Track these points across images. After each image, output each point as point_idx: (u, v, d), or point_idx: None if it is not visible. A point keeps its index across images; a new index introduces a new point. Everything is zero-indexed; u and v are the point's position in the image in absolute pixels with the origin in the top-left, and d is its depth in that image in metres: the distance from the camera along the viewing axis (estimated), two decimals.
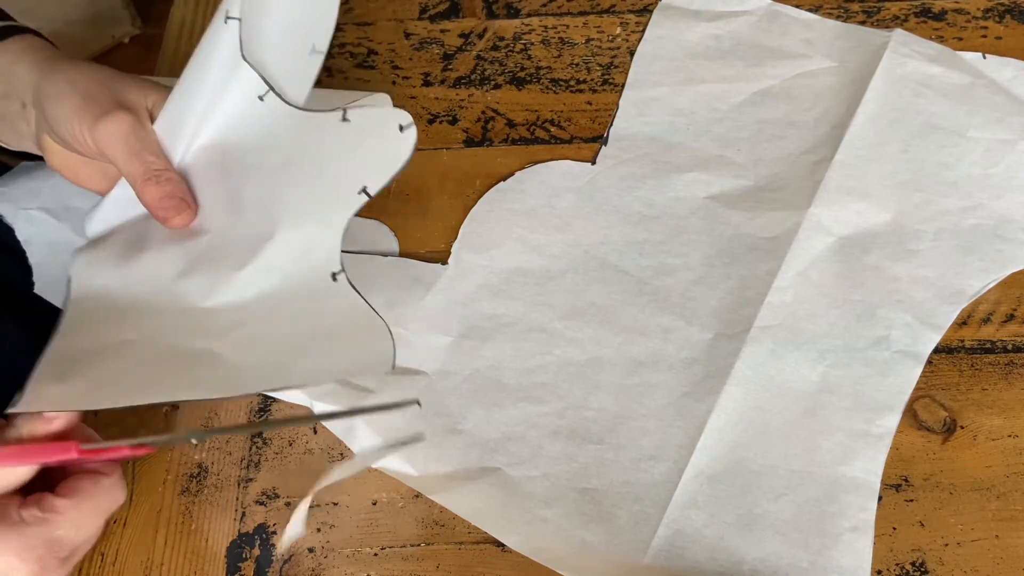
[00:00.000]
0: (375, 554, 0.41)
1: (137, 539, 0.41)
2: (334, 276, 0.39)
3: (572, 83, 0.57)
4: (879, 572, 0.40)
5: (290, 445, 0.44)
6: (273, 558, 0.41)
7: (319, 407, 0.43)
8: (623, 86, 0.55)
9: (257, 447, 0.44)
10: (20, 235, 0.51)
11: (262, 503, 0.42)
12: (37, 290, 0.50)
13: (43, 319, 0.52)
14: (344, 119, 0.41)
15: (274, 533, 0.42)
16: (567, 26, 0.59)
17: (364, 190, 0.39)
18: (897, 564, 0.40)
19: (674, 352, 0.45)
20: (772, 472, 0.41)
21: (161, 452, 0.43)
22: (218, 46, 0.41)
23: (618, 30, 0.59)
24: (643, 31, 0.57)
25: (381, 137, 0.40)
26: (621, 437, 0.43)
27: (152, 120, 0.43)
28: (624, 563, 0.40)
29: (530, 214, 0.50)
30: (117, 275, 0.43)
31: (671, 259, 0.47)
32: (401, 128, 0.40)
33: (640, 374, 0.44)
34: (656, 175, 0.50)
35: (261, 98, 0.42)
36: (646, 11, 0.58)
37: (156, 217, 0.42)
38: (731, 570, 0.39)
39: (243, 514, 0.42)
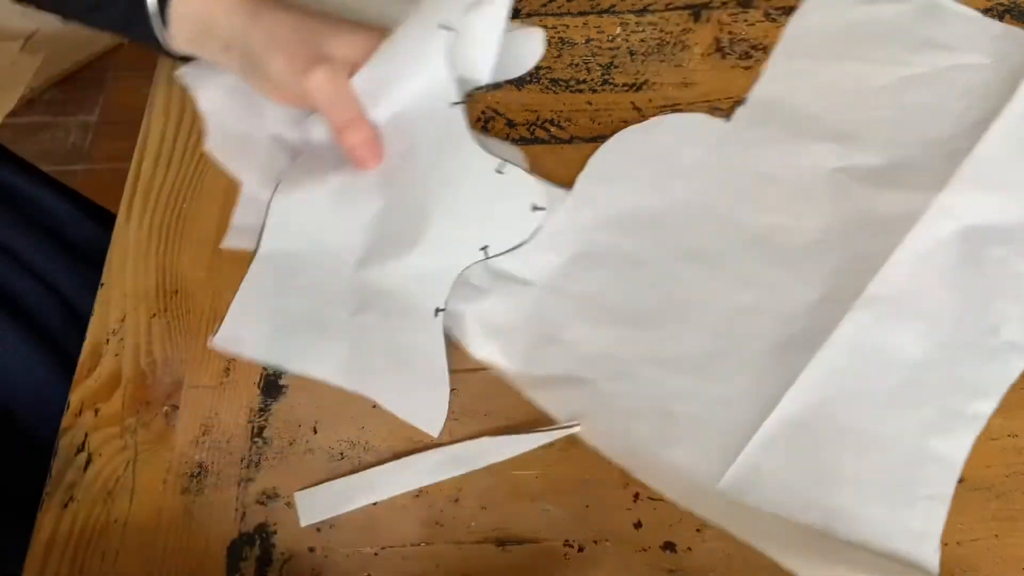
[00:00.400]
0: (375, 554, 0.41)
1: (137, 539, 0.41)
2: (436, 311, 0.44)
3: (572, 83, 0.57)
4: None
5: (290, 445, 0.44)
6: (271, 557, 0.41)
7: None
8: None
9: (257, 447, 0.44)
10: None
11: (262, 503, 0.42)
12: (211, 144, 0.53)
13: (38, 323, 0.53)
14: (498, 171, 0.46)
15: (275, 533, 0.42)
16: (567, 26, 0.59)
17: (484, 249, 0.44)
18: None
19: (778, 306, 0.45)
20: (859, 431, 0.42)
21: (161, 452, 0.44)
22: (424, 46, 0.47)
23: (618, 30, 0.59)
24: (644, 31, 0.57)
25: (515, 207, 0.45)
26: (713, 374, 0.44)
27: (353, 72, 0.48)
28: (697, 485, 0.42)
29: (658, 157, 0.51)
30: (308, 216, 0.49)
31: (789, 220, 0.48)
32: (534, 208, 0.44)
33: (741, 320, 0.45)
34: (788, 140, 0.51)
35: (452, 105, 0.48)
36: (646, 11, 0.58)
37: (351, 160, 0.48)
38: (800, 513, 0.40)
39: (243, 514, 0.42)
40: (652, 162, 0.51)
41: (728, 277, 0.47)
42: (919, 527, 0.40)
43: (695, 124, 0.53)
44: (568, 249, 0.48)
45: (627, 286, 0.47)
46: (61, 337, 0.55)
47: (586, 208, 0.50)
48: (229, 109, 0.53)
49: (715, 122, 0.53)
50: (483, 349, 0.46)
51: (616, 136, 0.52)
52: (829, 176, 0.49)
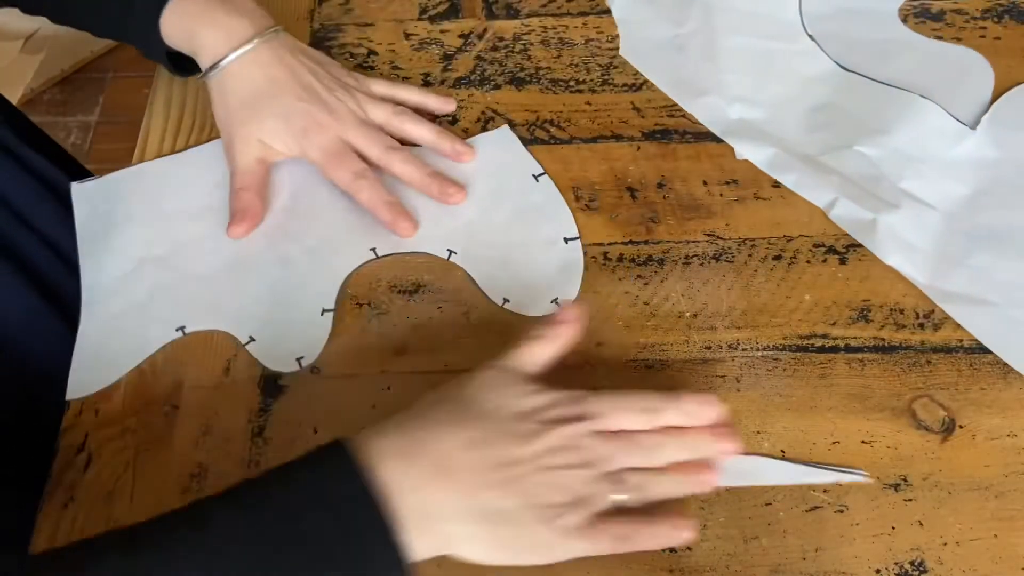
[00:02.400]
0: None
1: None
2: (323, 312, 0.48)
3: (572, 83, 0.57)
4: (878, 571, 0.40)
5: (290, 445, 0.44)
6: None
7: None
8: (623, 86, 0.56)
9: (257, 447, 0.44)
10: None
11: None
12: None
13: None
14: (565, 241, 0.49)
15: None
16: (567, 27, 0.59)
17: (555, 301, 0.47)
18: (896, 563, 0.40)
19: None
20: None
21: (161, 451, 0.44)
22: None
23: (617, 31, 0.59)
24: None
25: (572, 265, 0.49)
26: None
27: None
28: None
29: None
30: None
31: None
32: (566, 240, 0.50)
33: None
34: None
35: (536, 177, 0.52)
36: None
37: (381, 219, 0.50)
38: None
39: None
40: None
41: None
42: None
43: None
44: (971, 183, 0.51)
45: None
46: (51, 277, 0.55)
47: (991, 149, 0.53)
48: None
49: None
50: (891, 257, 0.49)
51: (1023, 86, 0.55)
52: None
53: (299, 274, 0.48)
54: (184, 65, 0.53)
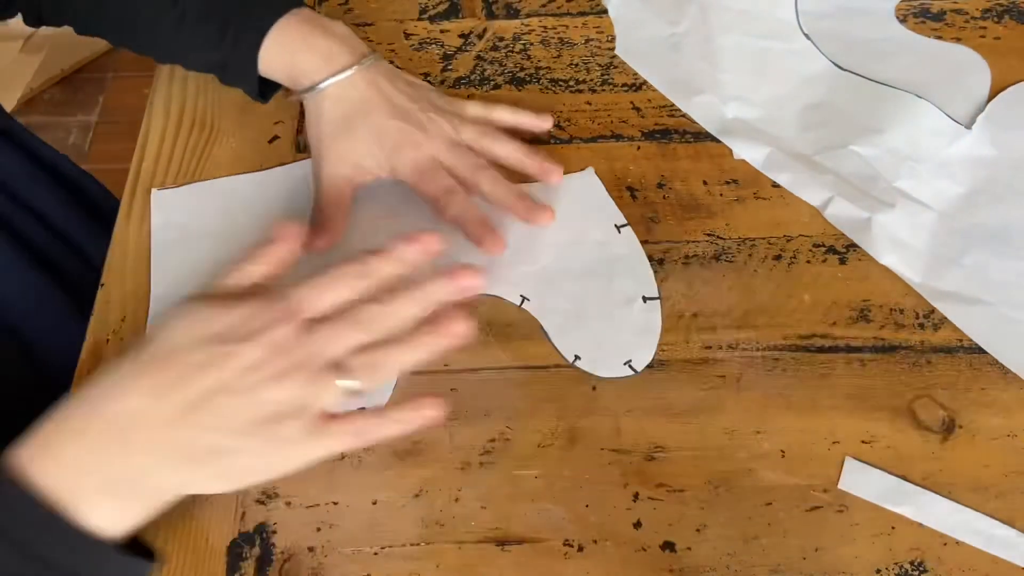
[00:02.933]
0: (375, 554, 0.41)
1: None
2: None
3: (571, 83, 0.57)
4: (878, 571, 0.40)
5: None
6: (271, 557, 0.41)
7: None
8: (622, 86, 0.56)
9: None
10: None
11: (262, 502, 0.43)
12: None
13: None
14: (644, 300, 0.48)
15: (275, 532, 0.42)
16: (566, 26, 0.59)
17: (628, 363, 0.45)
18: (896, 563, 0.40)
19: None
20: None
21: None
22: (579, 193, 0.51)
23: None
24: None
25: (650, 327, 0.47)
26: None
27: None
28: None
29: None
30: None
31: None
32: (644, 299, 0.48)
33: None
34: None
35: (619, 228, 0.50)
36: None
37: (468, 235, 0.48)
38: None
39: (243, 513, 0.42)
40: None
41: None
42: None
43: None
44: (966, 182, 0.51)
45: None
46: (51, 254, 0.55)
47: (986, 148, 0.53)
48: None
49: None
50: (886, 257, 0.49)
51: (1019, 85, 0.55)
52: None
53: None
54: (264, 90, 0.53)
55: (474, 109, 0.53)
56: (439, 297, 0.38)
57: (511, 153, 0.51)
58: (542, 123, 0.53)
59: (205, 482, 0.37)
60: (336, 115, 0.49)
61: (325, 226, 0.49)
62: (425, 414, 0.37)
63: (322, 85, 0.49)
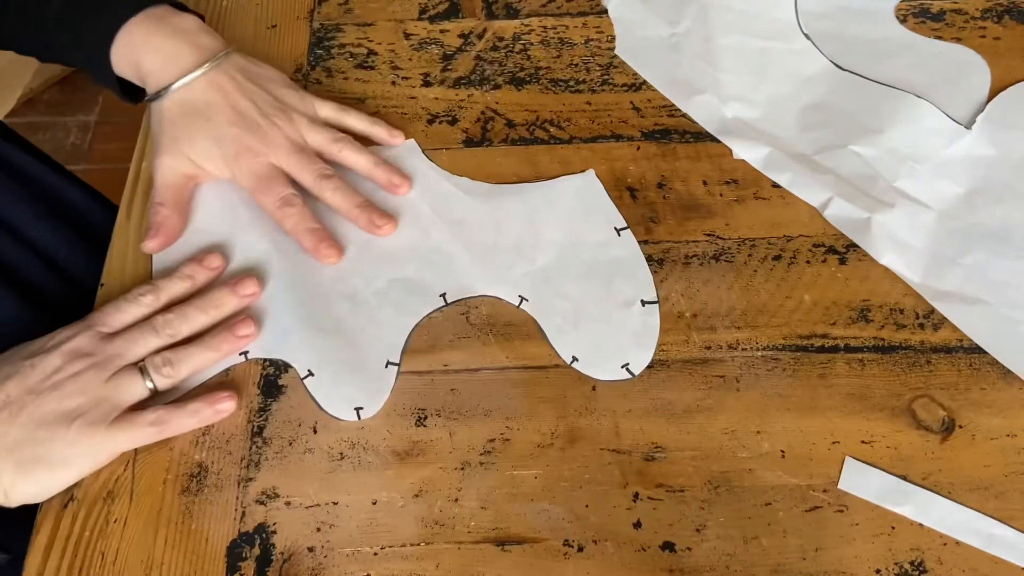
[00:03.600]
0: (375, 554, 0.41)
1: (137, 539, 0.41)
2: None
3: (571, 83, 0.57)
4: (878, 571, 0.40)
5: (290, 445, 0.44)
6: (271, 557, 0.41)
7: None
8: (622, 86, 0.56)
9: (257, 447, 0.44)
10: None
11: (262, 503, 0.43)
12: None
13: (35, 292, 0.53)
14: (642, 303, 0.48)
15: (274, 533, 0.42)
16: (566, 27, 0.59)
17: (626, 366, 0.46)
18: (896, 563, 0.40)
19: None
20: None
21: (161, 452, 0.44)
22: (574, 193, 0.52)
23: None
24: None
25: (648, 330, 0.47)
26: None
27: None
28: None
29: None
30: None
31: None
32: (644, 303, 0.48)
33: None
34: None
35: (618, 231, 0.50)
36: None
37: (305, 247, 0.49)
38: None
39: (243, 514, 0.42)
40: None
41: None
42: None
43: None
44: (965, 182, 0.51)
45: None
46: (30, 276, 0.55)
47: (986, 148, 0.53)
48: None
49: None
50: (886, 256, 0.49)
51: (1018, 85, 0.55)
52: None
53: (366, 316, 0.47)
54: (136, 92, 0.52)
55: (327, 111, 0.52)
56: (228, 307, 0.45)
57: (361, 163, 0.51)
58: (393, 139, 0.53)
59: (22, 480, 0.40)
60: (176, 115, 0.49)
61: (159, 227, 0.49)
62: (218, 408, 0.43)
63: (169, 89, 0.49)
